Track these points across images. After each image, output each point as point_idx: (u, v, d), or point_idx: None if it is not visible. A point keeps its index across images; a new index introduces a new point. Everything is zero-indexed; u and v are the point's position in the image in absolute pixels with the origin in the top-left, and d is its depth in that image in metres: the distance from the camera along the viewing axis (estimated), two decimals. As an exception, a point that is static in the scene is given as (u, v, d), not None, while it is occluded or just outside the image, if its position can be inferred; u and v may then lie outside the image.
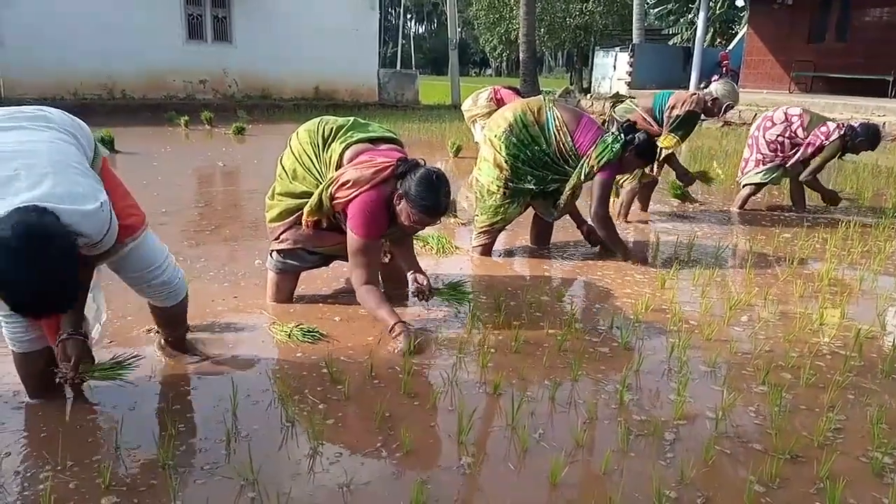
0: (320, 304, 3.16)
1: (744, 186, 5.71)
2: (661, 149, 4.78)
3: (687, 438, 2.10)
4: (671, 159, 5.05)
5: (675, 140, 4.82)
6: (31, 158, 1.83)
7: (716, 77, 5.05)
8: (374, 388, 2.36)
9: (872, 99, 13.46)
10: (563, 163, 3.90)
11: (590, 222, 4.08)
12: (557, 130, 3.86)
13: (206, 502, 1.73)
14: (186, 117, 10.56)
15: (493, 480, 1.88)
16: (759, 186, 5.68)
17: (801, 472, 1.94)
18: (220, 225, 4.57)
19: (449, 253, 4.07)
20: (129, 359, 2.26)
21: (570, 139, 3.85)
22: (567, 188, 3.93)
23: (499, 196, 4.00)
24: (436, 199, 2.65)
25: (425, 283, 2.94)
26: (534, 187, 3.96)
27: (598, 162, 3.76)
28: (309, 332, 2.75)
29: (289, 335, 2.74)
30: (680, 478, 1.88)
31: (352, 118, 3.07)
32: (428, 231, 4.18)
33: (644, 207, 5.36)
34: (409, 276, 3.02)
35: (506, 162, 3.92)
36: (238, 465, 1.85)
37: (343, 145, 2.88)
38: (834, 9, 16.51)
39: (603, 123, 5.06)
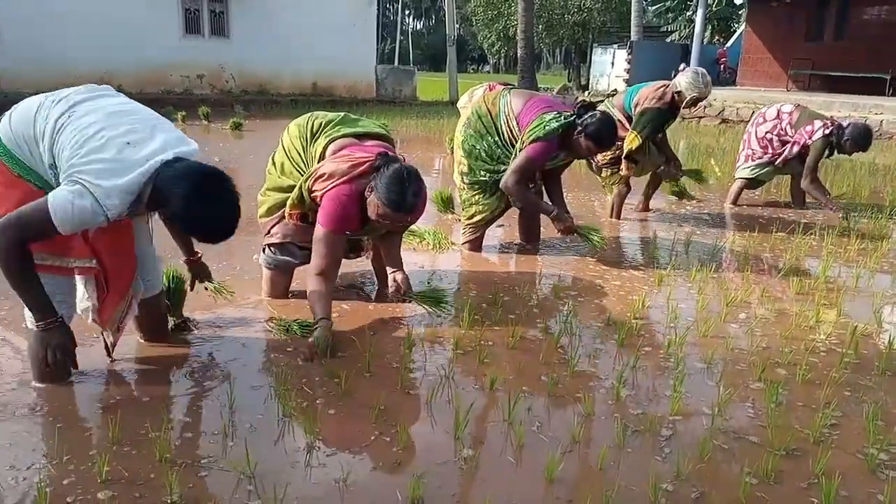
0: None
1: (735, 181, 5.75)
2: (625, 144, 4.62)
3: (683, 434, 2.11)
4: (638, 154, 4.70)
5: (633, 136, 4.57)
6: (136, 114, 2.14)
7: (682, 66, 4.79)
8: (370, 383, 2.36)
9: (870, 97, 13.47)
10: (514, 149, 3.79)
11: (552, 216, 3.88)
12: (507, 117, 3.78)
13: (203, 496, 1.73)
14: (183, 112, 10.52)
15: (489, 475, 1.88)
16: (751, 182, 5.70)
17: (796, 467, 1.95)
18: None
19: (445, 249, 4.07)
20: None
21: (515, 124, 3.75)
22: (509, 170, 3.73)
23: (465, 190, 3.99)
24: (401, 194, 2.57)
25: (402, 282, 2.92)
26: (487, 179, 3.89)
27: (529, 136, 3.62)
28: (307, 325, 2.74)
29: (287, 329, 2.73)
30: (676, 473, 1.88)
31: (343, 113, 3.06)
32: (425, 227, 4.19)
33: (645, 206, 5.32)
34: (389, 273, 3.00)
35: (462, 157, 3.91)
36: (235, 458, 1.86)
37: (327, 139, 2.88)
38: (832, 7, 16.51)
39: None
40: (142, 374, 2.40)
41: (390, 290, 2.99)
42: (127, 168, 1.95)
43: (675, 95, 4.57)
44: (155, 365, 2.47)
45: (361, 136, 2.93)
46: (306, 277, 2.81)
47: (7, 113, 2.12)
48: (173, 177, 1.97)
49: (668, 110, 4.63)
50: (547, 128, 3.58)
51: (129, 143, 1.99)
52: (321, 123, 2.97)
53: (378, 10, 17.76)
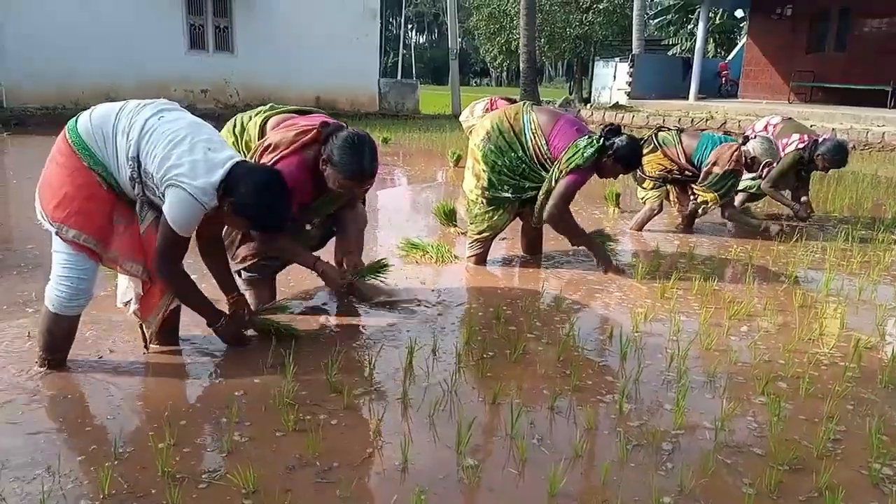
0: (318, 315, 3.17)
1: (735, 193, 5.76)
2: (698, 196, 4.80)
3: (686, 448, 2.10)
4: (726, 207, 4.89)
5: (713, 197, 4.70)
6: (210, 128, 2.44)
7: (752, 134, 4.90)
8: (373, 397, 2.36)
9: (872, 109, 13.49)
10: (541, 168, 3.80)
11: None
12: (533, 135, 3.79)
13: (204, 511, 1.73)
14: (187, 126, 10.55)
15: (492, 490, 1.88)
16: (751, 195, 5.70)
17: (800, 482, 1.94)
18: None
19: (448, 262, 4.07)
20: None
21: (545, 143, 3.76)
22: (540, 194, 3.80)
23: (480, 204, 3.98)
24: (359, 162, 2.61)
25: (351, 264, 3.03)
26: (510, 196, 3.89)
27: (568, 166, 3.66)
28: (292, 331, 2.78)
29: (274, 329, 2.76)
30: (679, 488, 1.88)
31: (270, 104, 3.11)
32: (428, 241, 4.21)
33: (686, 224, 5.23)
34: (343, 258, 3.07)
35: (483, 171, 3.90)
36: (237, 472, 1.85)
37: (262, 117, 2.92)
38: (834, 19, 16.57)
39: (641, 140, 5.02)
40: (144, 387, 2.40)
41: (341, 270, 3.02)
42: (214, 167, 2.27)
43: (749, 160, 4.68)
44: (157, 378, 2.48)
45: (298, 114, 2.98)
46: (258, 241, 2.87)
47: (86, 112, 2.39)
48: (244, 172, 2.31)
49: (740, 171, 4.78)
50: (585, 155, 3.63)
51: (210, 149, 2.31)
52: (250, 116, 3.02)
53: (381, 24, 17.87)
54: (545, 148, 3.77)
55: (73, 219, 2.31)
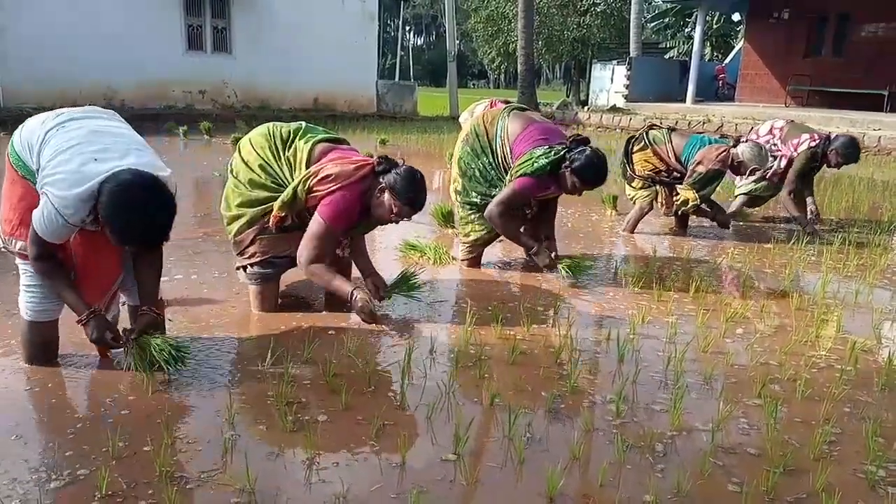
0: (316, 315, 3.17)
1: (735, 197, 5.78)
2: (680, 197, 4.75)
3: (682, 451, 2.11)
4: (700, 209, 4.83)
5: (694, 196, 4.65)
6: (120, 137, 2.31)
7: (745, 138, 4.88)
8: (370, 398, 2.36)
9: (868, 113, 13.53)
10: (506, 175, 3.76)
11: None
12: (502, 141, 3.76)
13: (202, 511, 1.73)
14: (185, 127, 10.56)
15: (489, 492, 1.88)
16: (750, 198, 5.72)
17: (796, 484, 1.95)
18: (218, 236, 4.58)
19: (445, 263, 4.08)
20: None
21: (509, 151, 3.72)
22: (494, 200, 3.73)
23: (462, 207, 3.98)
24: (419, 193, 2.89)
25: (381, 285, 3.17)
26: (479, 201, 3.87)
27: (516, 172, 3.61)
28: (176, 348, 2.44)
29: (153, 348, 2.41)
30: (676, 490, 1.88)
31: (302, 123, 3.17)
32: (425, 242, 4.21)
33: (680, 227, 5.23)
34: (365, 278, 3.17)
35: (457, 174, 3.91)
36: (235, 473, 1.86)
37: (310, 144, 2.99)
38: (831, 24, 16.63)
39: (629, 139, 5.01)
40: (142, 388, 2.40)
41: (371, 293, 3.10)
42: (85, 179, 2.11)
43: (738, 164, 4.65)
44: (154, 378, 2.47)
45: (333, 141, 3.10)
46: (303, 270, 2.93)
47: (24, 123, 2.36)
48: (110, 181, 2.11)
49: (724, 172, 4.75)
50: (535, 164, 3.54)
51: (96, 160, 2.16)
52: (289, 131, 3.07)
53: (379, 26, 17.89)
54: (509, 156, 3.73)
55: (18, 231, 2.32)
